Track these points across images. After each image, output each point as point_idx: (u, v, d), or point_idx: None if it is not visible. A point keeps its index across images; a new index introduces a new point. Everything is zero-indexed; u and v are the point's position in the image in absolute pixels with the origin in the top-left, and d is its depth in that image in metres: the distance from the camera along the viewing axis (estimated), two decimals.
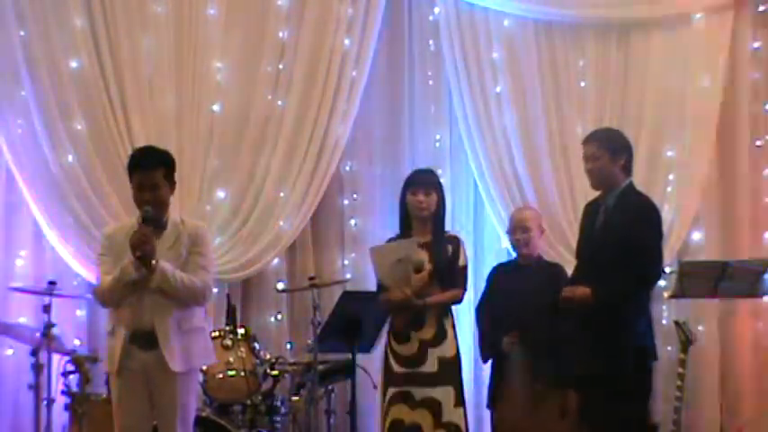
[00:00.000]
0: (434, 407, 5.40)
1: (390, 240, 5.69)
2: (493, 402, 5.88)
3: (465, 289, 5.62)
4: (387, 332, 5.55)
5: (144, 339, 4.62)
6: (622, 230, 5.06)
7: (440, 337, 5.48)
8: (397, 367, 5.48)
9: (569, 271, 5.59)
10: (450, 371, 5.50)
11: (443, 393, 5.43)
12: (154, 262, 4.53)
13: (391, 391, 5.47)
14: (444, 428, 5.40)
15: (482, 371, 6.42)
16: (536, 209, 6.32)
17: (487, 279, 6.09)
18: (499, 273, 6.05)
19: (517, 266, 5.95)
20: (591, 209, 5.36)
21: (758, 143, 6.95)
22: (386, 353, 5.55)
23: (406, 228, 5.61)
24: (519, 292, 5.70)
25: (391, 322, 5.55)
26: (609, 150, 5.18)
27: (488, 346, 5.82)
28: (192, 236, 4.74)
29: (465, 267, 5.61)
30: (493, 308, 5.83)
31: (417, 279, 5.42)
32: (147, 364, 4.63)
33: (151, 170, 4.66)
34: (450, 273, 5.53)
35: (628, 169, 5.24)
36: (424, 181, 5.60)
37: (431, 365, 5.44)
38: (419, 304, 5.43)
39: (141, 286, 4.59)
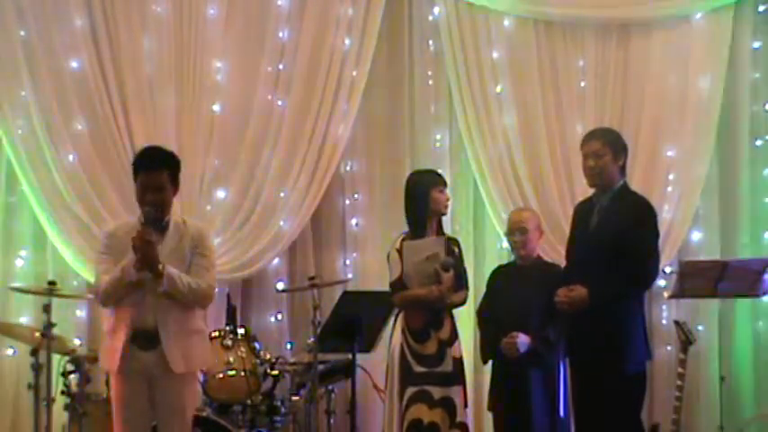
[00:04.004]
0: (450, 407, 5.41)
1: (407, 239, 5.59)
2: (494, 404, 5.87)
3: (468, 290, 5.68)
4: (401, 331, 5.49)
5: (145, 339, 4.61)
6: (619, 230, 5.03)
7: (453, 336, 5.52)
8: (417, 366, 5.43)
9: None
10: (461, 371, 5.53)
11: (457, 393, 5.45)
12: (161, 267, 4.52)
13: (410, 390, 5.41)
14: (458, 428, 5.42)
15: (482, 372, 6.41)
16: (534, 210, 6.30)
17: (488, 281, 6.08)
18: (498, 274, 6.04)
19: (516, 268, 5.94)
20: (583, 208, 5.33)
21: (758, 143, 6.95)
22: (402, 352, 5.46)
23: (420, 227, 5.56)
24: (518, 294, 5.69)
25: (407, 321, 5.51)
26: (612, 149, 5.16)
27: (489, 348, 5.81)
28: (195, 237, 4.73)
29: (465, 269, 5.68)
30: (493, 309, 5.82)
31: (448, 277, 5.43)
32: (148, 365, 4.62)
33: (156, 171, 4.65)
34: (458, 273, 5.55)
35: (624, 170, 5.24)
36: (444, 180, 5.65)
37: (447, 365, 5.45)
38: (451, 303, 5.47)
39: (142, 286, 4.58)
